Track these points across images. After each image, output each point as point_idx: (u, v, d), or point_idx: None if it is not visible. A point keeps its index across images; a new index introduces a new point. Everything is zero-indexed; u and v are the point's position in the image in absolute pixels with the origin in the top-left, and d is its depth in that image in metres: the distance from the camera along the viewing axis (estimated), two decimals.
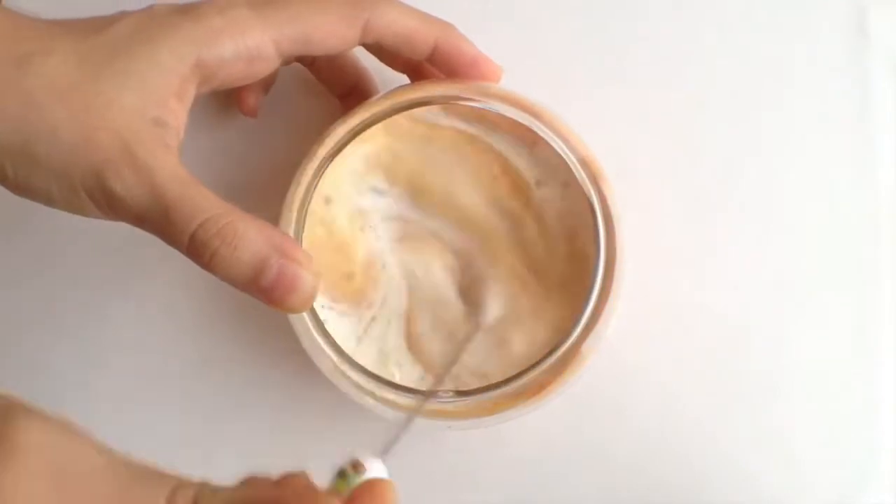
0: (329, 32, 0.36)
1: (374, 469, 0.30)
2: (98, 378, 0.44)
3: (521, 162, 0.39)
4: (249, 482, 0.28)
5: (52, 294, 0.44)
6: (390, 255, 0.40)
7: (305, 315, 0.37)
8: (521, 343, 0.39)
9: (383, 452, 0.31)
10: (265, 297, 0.34)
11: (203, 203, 0.33)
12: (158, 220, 0.33)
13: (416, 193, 0.40)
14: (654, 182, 0.43)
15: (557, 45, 0.44)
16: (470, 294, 0.40)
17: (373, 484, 0.29)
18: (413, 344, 0.39)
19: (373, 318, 0.40)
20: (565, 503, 0.42)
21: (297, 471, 0.29)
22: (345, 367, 0.38)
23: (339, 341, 0.38)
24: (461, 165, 0.40)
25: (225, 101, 0.43)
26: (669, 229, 0.43)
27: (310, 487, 0.28)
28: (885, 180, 0.43)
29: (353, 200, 0.40)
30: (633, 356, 0.42)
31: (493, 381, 0.37)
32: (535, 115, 0.38)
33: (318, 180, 0.38)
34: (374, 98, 0.39)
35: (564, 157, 0.37)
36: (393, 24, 0.37)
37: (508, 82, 0.39)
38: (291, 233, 0.38)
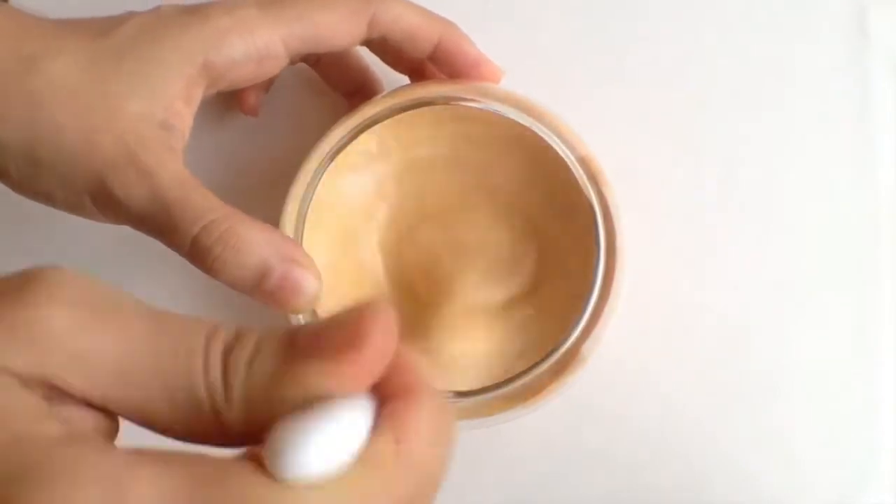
0: (337, 29, 0.36)
1: None
2: None
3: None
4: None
5: None
6: (391, 255, 0.40)
7: (306, 315, 0.37)
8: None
9: None
10: (269, 300, 0.34)
11: (205, 206, 0.33)
12: (160, 224, 0.33)
13: (417, 193, 0.40)
14: (654, 182, 0.43)
15: (557, 45, 0.44)
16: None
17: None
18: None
19: None
20: (565, 503, 0.42)
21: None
22: None
23: None
24: (465, 166, 0.40)
25: (226, 100, 0.43)
26: (669, 229, 0.43)
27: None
28: (885, 180, 0.43)
29: (353, 200, 0.40)
30: (633, 356, 0.42)
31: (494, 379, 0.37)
32: (536, 115, 0.38)
33: (319, 180, 0.38)
34: (375, 98, 0.39)
35: (564, 156, 0.37)
36: (399, 19, 0.37)
37: (508, 82, 0.39)
38: (292, 233, 0.38)
